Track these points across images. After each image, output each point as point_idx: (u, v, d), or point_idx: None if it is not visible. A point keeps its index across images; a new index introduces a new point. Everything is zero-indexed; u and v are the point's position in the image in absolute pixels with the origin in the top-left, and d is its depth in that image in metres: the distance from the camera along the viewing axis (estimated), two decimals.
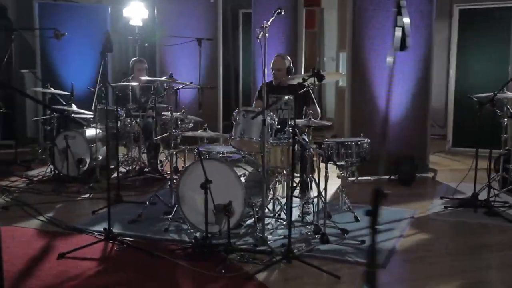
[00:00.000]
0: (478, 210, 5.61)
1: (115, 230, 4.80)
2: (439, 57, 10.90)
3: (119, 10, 9.94)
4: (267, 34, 4.46)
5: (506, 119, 6.02)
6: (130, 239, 4.68)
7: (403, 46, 2.06)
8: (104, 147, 7.02)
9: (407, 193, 6.52)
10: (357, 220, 5.27)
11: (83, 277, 3.93)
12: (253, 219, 4.87)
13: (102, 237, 4.57)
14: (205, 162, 4.74)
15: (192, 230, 4.87)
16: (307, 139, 5.74)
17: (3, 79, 9.11)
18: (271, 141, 4.94)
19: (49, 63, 9.02)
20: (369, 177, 7.14)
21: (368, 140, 5.34)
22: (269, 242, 4.54)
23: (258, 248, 4.44)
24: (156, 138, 6.69)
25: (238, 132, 4.89)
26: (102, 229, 4.68)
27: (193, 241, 4.52)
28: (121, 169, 7.06)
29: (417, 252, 4.56)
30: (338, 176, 7.01)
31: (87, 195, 6.20)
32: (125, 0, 9.84)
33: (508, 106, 5.99)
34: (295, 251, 4.30)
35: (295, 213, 5.31)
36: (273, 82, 5.89)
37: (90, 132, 7.02)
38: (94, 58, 9.17)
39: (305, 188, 5.41)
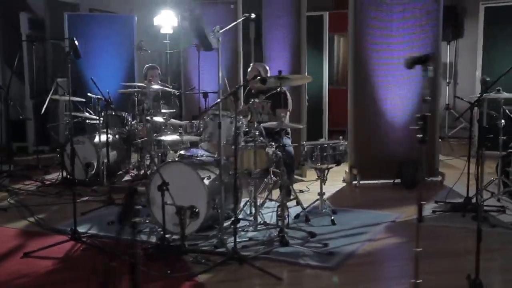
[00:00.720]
0: (468, 214, 5.42)
1: (93, 231, 5.01)
2: (466, 57, 10.61)
3: (149, 19, 10.28)
4: (220, 39, 4.47)
5: (503, 121, 5.77)
6: (100, 239, 4.85)
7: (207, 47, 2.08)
8: (114, 152, 7.28)
9: (405, 197, 6.37)
10: (333, 223, 5.22)
11: (36, 274, 4.13)
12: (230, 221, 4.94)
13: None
14: (171, 165, 4.87)
15: (162, 232, 4.97)
16: (290, 142, 5.76)
17: (40, 86, 9.72)
18: (243, 144, 5.00)
19: (78, 71, 9.41)
20: (372, 181, 7.03)
21: (345, 143, 5.28)
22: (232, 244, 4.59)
23: (208, 249, 4.50)
24: (135, 141, 6.90)
25: (206, 136, 4.98)
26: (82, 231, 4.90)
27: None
28: (131, 174, 7.34)
29: (374, 256, 4.49)
30: (345, 180, 7.00)
31: (86, 198, 6.43)
32: (156, 9, 10.17)
33: (504, 108, 5.75)
34: (250, 253, 4.34)
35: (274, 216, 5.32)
36: (252, 90, 5.98)
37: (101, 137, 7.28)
38: (121, 66, 9.58)
39: (286, 191, 5.39)
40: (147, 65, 7.97)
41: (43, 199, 6.44)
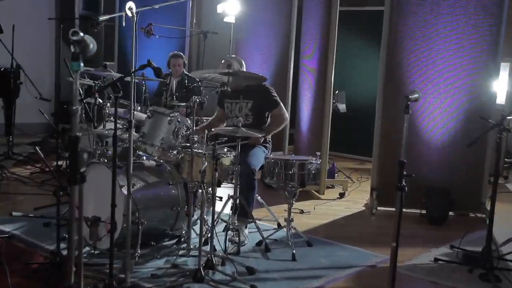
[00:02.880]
0: (477, 270, 4.15)
1: (19, 231, 4.45)
2: None
3: (213, 5, 9.61)
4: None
5: None
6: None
7: None
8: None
9: (417, 234, 5.16)
10: (293, 259, 4.20)
11: None
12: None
13: None
14: (96, 166, 4.15)
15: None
16: (259, 152, 4.81)
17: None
18: (180, 149, 4.15)
19: (125, 55, 8.99)
20: (394, 208, 5.81)
21: (318, 162, 4.23)
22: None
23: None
24: None
25: (139, 134, 4.19)
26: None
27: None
28: None
29: None
30: (367, 204, 5.89)
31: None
32: None
33: None
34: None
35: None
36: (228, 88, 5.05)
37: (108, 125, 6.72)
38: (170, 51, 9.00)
39: (240, 211, 4.45)
40: (171, 53, 7.32)
41: (23, 187, 6.01)
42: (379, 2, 8.47)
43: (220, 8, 9.32)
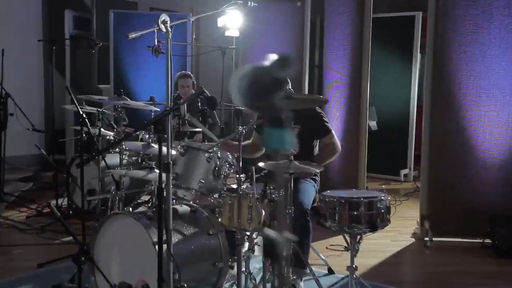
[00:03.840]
0: None
1: None
2: None
3: (213, 19, 8.87)
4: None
5: None
6: None
7: None
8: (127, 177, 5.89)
9: (496, 270, 4.42)
10: None
11: None
12: None
13: None
14: (118, 218, 3.36)
15: None
16: (309, 188, 4.07)
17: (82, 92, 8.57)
18: (223, 192, 3.38)
19: (122, 77, 8.21)
20: (452, 238, 5.11)
21: (388, 198, 3.48)
22: None
23: None
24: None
25: (172, 176, 3.41)
26: None
27: None
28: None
29: None
30: (415, 234, 5.16)
31: (69, 238, 5.08)
32: (218, 7, 8.74)
33: None
34: None
35: None
36: None
37: (112, 158, 5.93)
38: (173, 72, 8.24)
39: (295, 261, 3.68)
40: (178, 73, 6.58)
41: (20, 236, 5.18)
42: (410, 7, 7.83)
43: (220, 22, 8.59)
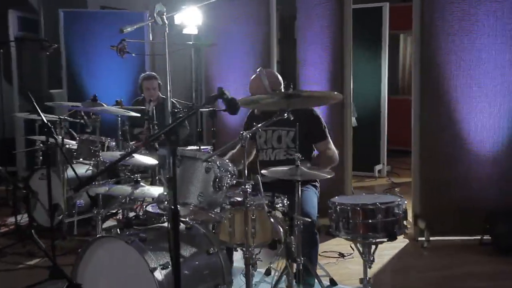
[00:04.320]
0: None
1: None
2: None
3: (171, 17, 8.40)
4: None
5: None
6: None
7: None
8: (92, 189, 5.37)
9: (497, 268, 4.19)
10: None
11: None
12: None
13: None
14: (104, 242, 2.92)
15: None
16: (312, 195, 3.72)
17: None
18: (226, 205, 2.99)
19: (76, 80, 7.66)
20: (448, 237, 4.86)
21: (405, 202, 3.16)
22: None
23: None
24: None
25: (166, 191, 2.99)
26: None
27: None
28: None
29: None
30: (407, 235, 4.89)
31: (33, 262, 4.57)
32: (176, 5, 8.26)
33: None
34: None
35: None
36: (255, 111, 3.90)
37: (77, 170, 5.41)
38: (130, 72, 7.75)
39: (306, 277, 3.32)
40: (142, 75, 6.12)
41: None
42: None
43: (178, 19, 8.16)
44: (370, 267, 3.21)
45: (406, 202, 3.17)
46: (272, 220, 3.04)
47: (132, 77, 7.52)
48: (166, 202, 2.90)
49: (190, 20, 7.96)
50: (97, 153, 4.89)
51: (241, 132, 2.87)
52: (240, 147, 3.33)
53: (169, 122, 5.48)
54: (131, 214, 5.17)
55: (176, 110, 5.36)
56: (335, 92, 3.01)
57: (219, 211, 2.96)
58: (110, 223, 5.46)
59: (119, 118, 5.06)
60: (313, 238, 3.44)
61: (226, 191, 2.96)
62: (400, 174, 7.78)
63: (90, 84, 7.65)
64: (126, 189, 3.41)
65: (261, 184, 2.96)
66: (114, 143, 5.40)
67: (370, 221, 3.06)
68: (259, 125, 2.99)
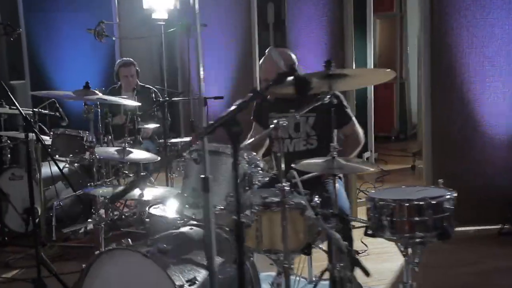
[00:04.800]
0: None
1: None
2: None
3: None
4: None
5: None
6: None
7: None
8: (69, 189, 4.85)
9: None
10: None
11: None
12: None
13: None
14: (116, 254, 2.44)
15: None
16: (343, 190, 3.32)
17: None
18: (255, 206, 2.55)
19: (40, 68, 7.05)
20: (464, 228, 4.54)
21: (455, 195, 2.78)
22: None
23: None
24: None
25: (185, 190, 2.54)
26: None
27: None
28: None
29: None
30: None
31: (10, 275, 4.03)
32: None
33: None
34: None
35: None
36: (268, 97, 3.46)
37: (49, 168, 4.87)
38: (98, 60, 7.19)
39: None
40: (118, 61, 5.60)
41: None
42: None
43: (146, 3, 7.63)
44: (416, 270, 2.82)
45: (455, 195, 2.79)
46: (306, 221, 2.63)
47: (102, 64, 6.99)
48: (187, 206, 2.44)
49: (159, 4, 7.49)
50: (78, 149, 4.43)
51: (275, 121, 2.42)
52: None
53: (154, 112, 5.06)
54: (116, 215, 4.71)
55: (160, 100, 4.91)
56: (387, 70, 2.58)
57: (249, 213, 2.51)
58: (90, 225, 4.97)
59: (99, 109, 4.54)
60: (350, 235, 3.03)
61: (257, 190, 2.52)
62: (388, 161, 7.48)
63: (56, 73, 7.06)
64: (134, 191, 2.91)
65: (299, 180, 2.52)
66: (92, 137, 4.91)
67: (419, 218, 2.67)
68: (296, 112, 2.55)
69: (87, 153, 4.78)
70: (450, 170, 4.52)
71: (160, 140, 4.94)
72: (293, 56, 3.39)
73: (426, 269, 3.79)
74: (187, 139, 4.97)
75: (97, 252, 2.52)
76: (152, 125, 5.00)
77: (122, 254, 2.42)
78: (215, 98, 4.71)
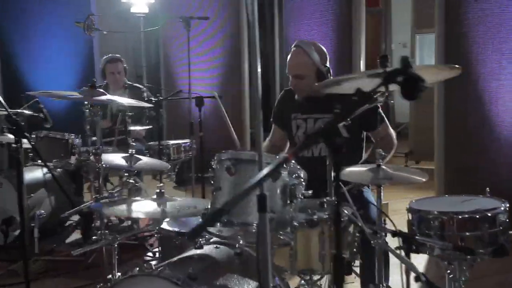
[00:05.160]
0: None
1: None
2: None
3: None
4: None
5: None
6: None
7: None
8: (52, 197, 4.45)
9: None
10: None
11: None
12: None
13: None
14: (135, 283, 2.09)
15: None
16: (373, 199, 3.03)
17: None
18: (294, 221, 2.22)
19: (11, 66, 6.57)
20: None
21: (507, 206, 2.50)
22: None
23: None
24: None
25: (215, 202, 2.20)
26: None
27: None
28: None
29: None
30: None
31: None
32: None
33: None
34: None
35: None
36: (295, 96, 3.11)
37: (30, 174, 4.47)
38: (76, 57, 6.76)
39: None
40: (105, 57, 5.19)
41: None
42: None
43: None
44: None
45: (508, 206, 2.51)
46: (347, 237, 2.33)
47: (81, 61, 6.57)
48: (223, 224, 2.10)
49: None
50: (63, 153, 4.06)
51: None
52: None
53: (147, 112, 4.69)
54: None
55: (153, 99, 4.53)
56: (456, 65, 2.27)
57: (289, 231, 2.18)
58: (75, 235, 4.59)
59: (87, 110, 4.14)
60: (387, 253, 2.73)
61: (299, 205, 2.19)
62: None
63: (30, 73, 6.60)
64: (149, 206, 2.52)
65: (345, 190, 2.20)
66: (78, 140, 4.53)
67: (472, 233, 2.39)
68: (344, 113, 2.21)
69: (73, 157, 4.49)
70: (465, 172, 4.30)
71: (150, 143, 4.65)
72: (325, 49, 3.06)
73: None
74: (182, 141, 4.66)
75: (115, 278, 2.15)
76: (144, 127, 4.65)
77: (144, 281, 2.06)
78: (217, 97, 4.38)
